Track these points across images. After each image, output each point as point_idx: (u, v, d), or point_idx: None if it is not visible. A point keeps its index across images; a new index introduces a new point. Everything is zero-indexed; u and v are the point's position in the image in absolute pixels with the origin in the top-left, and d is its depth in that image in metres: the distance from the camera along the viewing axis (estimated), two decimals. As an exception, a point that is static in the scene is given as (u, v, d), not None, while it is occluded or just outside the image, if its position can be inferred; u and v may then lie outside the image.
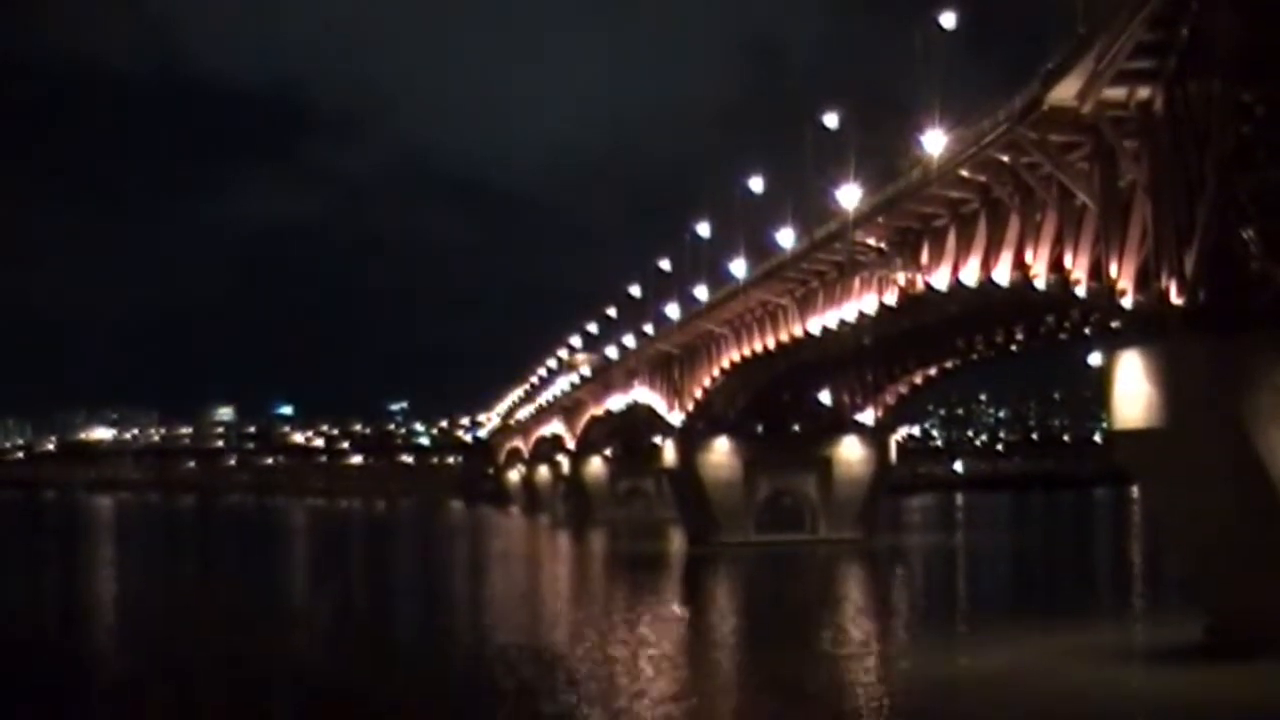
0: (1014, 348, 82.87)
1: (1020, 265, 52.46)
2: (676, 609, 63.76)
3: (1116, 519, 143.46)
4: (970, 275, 56.52)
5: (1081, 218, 48.37)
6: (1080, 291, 48.69)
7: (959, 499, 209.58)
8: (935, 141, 54.80)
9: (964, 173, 53.76)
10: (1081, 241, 48.41)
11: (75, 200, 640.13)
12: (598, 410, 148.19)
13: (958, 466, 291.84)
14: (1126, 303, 45.06)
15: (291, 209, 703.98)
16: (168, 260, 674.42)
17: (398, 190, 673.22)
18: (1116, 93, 43.53)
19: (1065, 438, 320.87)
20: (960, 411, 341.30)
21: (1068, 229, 49.26)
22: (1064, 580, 79.05)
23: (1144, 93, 43.34)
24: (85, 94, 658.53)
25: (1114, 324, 48.42)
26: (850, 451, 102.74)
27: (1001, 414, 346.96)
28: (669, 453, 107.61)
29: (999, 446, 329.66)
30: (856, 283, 69.00)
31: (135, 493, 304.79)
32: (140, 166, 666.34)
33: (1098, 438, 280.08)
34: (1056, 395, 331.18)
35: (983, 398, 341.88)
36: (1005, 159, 50.58)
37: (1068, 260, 49.27)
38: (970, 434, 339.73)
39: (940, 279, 59.61)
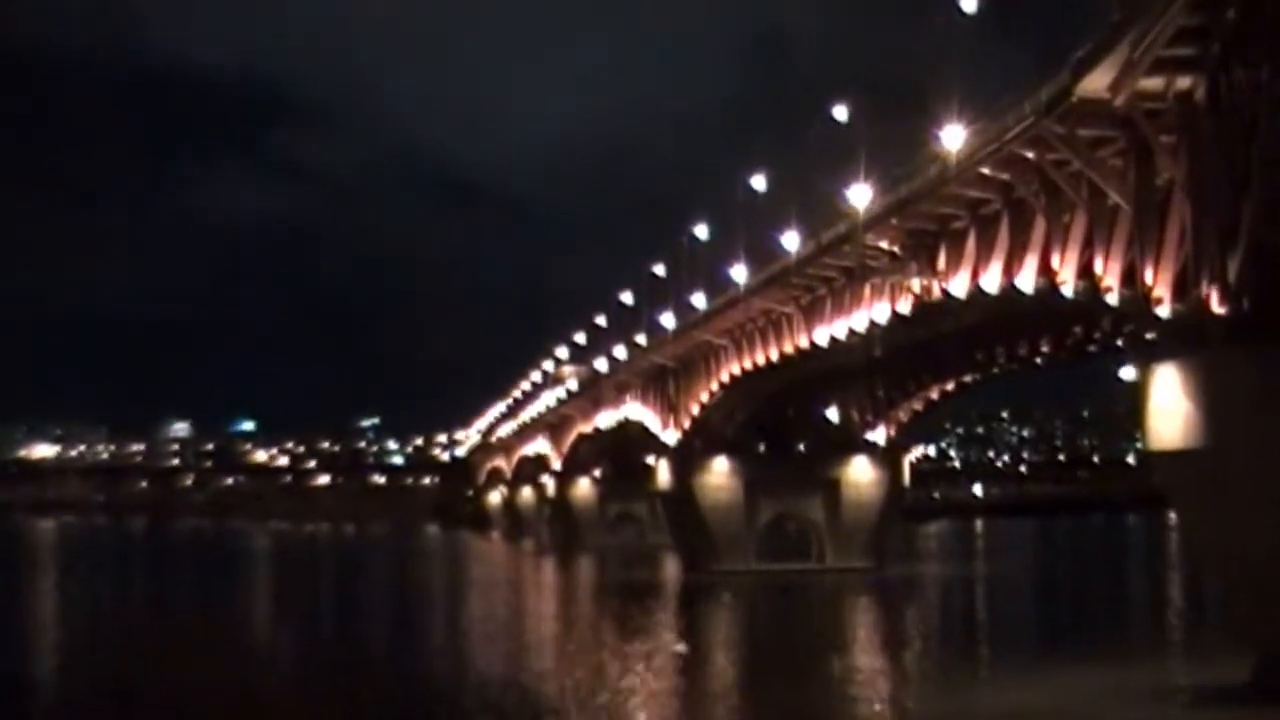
0: (1039, 361, 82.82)
1: (1046, 271, 52.33)
2: (672, 644, 63.50)
3: (1152, 547, 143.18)
4: (991, 282, 56.46)
5: (1114, 219, 48.18)
6: (1112, 299, 48.50)
7: (979, 525, 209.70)
8: (954, 137, 54.71)
9: (985, 170, 53.68)
10: (1114, 245, 48.22)
11: (21, 193, 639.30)
12: (586, 427, 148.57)
13: (977, 490, 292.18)
14: (1163, 311, 44.79)
15: (261, 206, 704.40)
16: (121, 260, 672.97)
17: (379, 189, 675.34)
18: (1153, 83, 43.25)
19: (1095, 459, 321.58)
20: (980, 430, 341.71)
21: (1098, 231, 49.09)
22: (1095, 614, 78.79)
23: (1184, 82, 43.04)
24: (42, 80, 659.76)
25: (1149, 335, 48.06)
26: (860, 473, 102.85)
27: (1025, 433, 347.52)
28: (663, 474, 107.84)
29: (1022, 468, 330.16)
30: (867, 290, 69.08)
31: (81, 515, 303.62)
32: (96, 157, 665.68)
33: (1131, 459, 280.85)
34: (1085, 413, 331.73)
35: (1005, 415, 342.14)
36: (1030, 155, 50.41)
37: (1098, 265, 49.11)
38: (991, 455, 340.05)
39: (959, 286, 59.57)
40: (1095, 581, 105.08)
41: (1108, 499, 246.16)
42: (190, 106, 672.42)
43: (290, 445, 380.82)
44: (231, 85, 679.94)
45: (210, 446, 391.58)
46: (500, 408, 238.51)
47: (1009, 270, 55.09)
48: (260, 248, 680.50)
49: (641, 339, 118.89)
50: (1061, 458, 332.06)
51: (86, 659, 59.99)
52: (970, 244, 58.51)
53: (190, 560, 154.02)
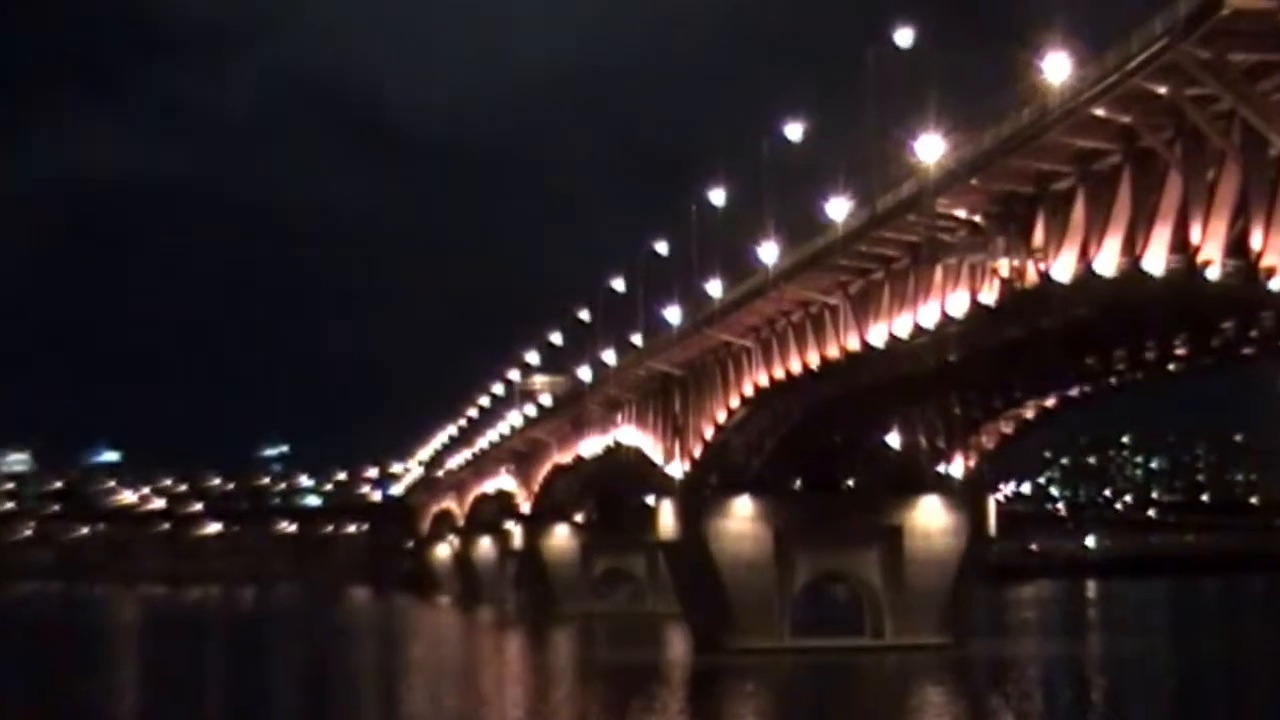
0: (1173, 368, 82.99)
1: (1183, 246, 52.24)
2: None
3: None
4: (1107, 261, 56.33)
5: (1277, 177, 48.15)
6: (1275, 285, 48.62)
7: (1091, 589, 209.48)
8: (1058, 68, 54.86)
9: (1100, 111, 53.55)
10: (1276, 213, 48.15)
11: None
12: (564, 457, 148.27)
13: (1089, 541, 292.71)
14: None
15: (127, 161, 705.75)
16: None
17: (285, 140, 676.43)
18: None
19: (1252, 499, 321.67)
20: (1091, 461, 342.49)
21: (1255, 193, 48.90)
22: (1256, 710, 78.57)
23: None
24: None
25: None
26: (930, 518, 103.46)
27: (1154, 464, 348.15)
28: (666, 519, 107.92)
29: (1150, 513, 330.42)
30: (938, 273, 69.08)
31: None
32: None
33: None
34: (1238, 437, 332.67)
35: (1125, 441, 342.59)
36: (1163, 90, 50.43)
37: (1255, 239, 48.97)
38: (1107, 494, 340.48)
39: (1062, 267, 59.37)
40: (1258, 665, 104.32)
41: (1270, 555, 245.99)
42: (34, 28, 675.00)
43: (167, 482, 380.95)
44: (90, 4, 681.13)
45: (59, 484, 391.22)
46: (450, 431, 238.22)
47: (1131, 245, 54.96)
48: (126, 216, 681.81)
49: (637, 339, 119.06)
50: (1205, 498, 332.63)
51: None
52: (1078, 210, 58.40)
53: (20, 644, 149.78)
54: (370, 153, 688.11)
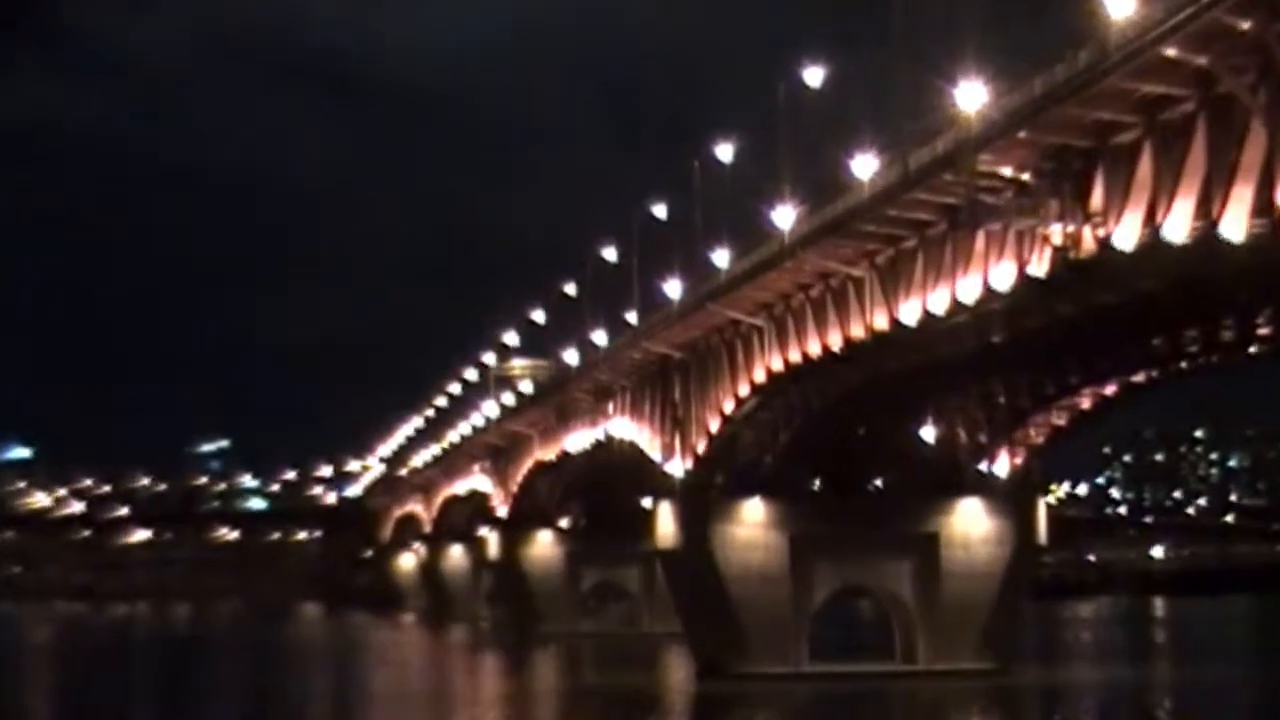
0: (1254, 350, 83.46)
1: (1267, 208, 52.22)
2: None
3: None
4: (1177, 226, 56.39)
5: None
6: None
7: (1159, 606, 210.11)
8: (1121, 1, 54.65)
9: (1170, 51, 53.40)
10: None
11: None
12: (546, 453, 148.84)
13: (1157, 552, 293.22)
14: None
15: (32, 109, 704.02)
16: None
17: (220, 86, 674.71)
18: None
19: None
20: (1160, 458, 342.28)
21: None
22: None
23: None
24: None
25: None
26: (971, 524, 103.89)
27: (1232, 463, 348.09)
28: (665, 524, 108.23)
29: (1229, 518, 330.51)
30: (980, 240, 69.32)
31: None
32: None
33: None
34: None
35: (1199, 435, 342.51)
36: (1245, 26, 50.27)
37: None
38: (1178, 496, 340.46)
39: (1125, 233, 59.49)
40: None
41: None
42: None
43: (87, 483, 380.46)
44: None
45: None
46: (415, 423, 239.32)
47: (1205, 207, 54.92)
48: (34, 175, 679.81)
49: (632, 317, 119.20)
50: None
51: None
52: (1144, 167, 58.40)
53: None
54: (315, 99, 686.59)
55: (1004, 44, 65.47)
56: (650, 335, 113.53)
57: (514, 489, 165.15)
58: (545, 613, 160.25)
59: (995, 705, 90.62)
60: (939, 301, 73.61)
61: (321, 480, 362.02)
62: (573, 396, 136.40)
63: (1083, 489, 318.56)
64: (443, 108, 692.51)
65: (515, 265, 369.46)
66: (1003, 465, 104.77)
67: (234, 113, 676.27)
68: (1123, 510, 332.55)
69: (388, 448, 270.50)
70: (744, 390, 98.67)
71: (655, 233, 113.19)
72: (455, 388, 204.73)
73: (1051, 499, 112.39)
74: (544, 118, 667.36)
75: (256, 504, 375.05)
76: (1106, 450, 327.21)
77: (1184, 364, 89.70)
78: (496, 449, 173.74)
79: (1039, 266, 65.34)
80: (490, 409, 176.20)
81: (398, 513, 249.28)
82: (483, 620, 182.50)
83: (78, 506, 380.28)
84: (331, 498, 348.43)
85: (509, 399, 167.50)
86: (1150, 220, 57.94)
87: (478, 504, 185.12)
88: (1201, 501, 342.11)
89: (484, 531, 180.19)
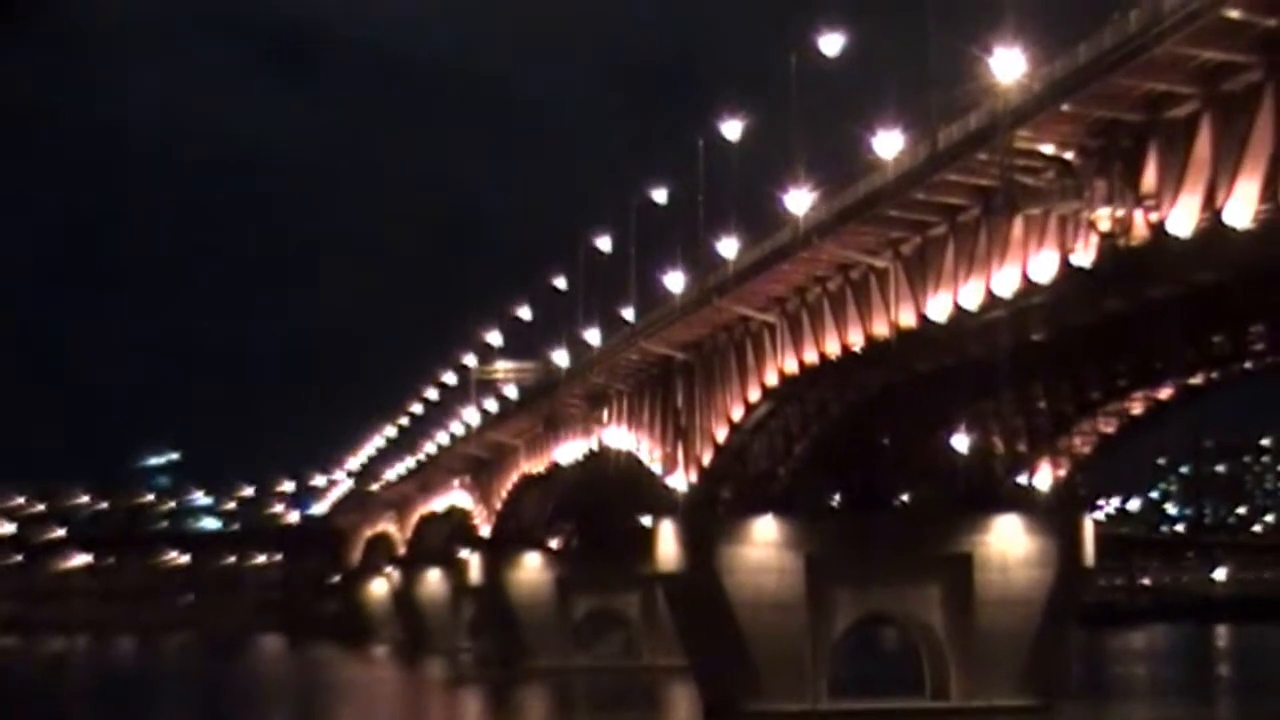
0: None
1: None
2: None
3: None
4: (1239, 210, 55.21)
5: None
6: None
7: (1221, 634, 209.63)
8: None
9: (1232, 13, 52.35)
10: None
11: None
12: (534, 466, 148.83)
13: (1218, 574, 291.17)
14: None
15: None
16: None
17: (164, 51, 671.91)
18: None
19: None
20: (1221, 470, 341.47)
21: None
22: None
23: None
24: None
25: None
26: (1008, 544, 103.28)
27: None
28: (667, 545, 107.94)
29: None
30: (1018, 226, 68.86)
31: None
32: None
33: None
34: None
35: (1265, 444, 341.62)
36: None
37: None
38: (1241, 511, 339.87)
39: (1181, 219, 58.28)
40: None
41: None
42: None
43: (18, 501, 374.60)
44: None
45: None
46: (388, 433, 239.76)
47: (1272, 189, 53.64)
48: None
49: (629, 314, 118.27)
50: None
51: None
52: (1202, 143, 57.18)
53: None
54: (271, 66, 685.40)
55: (1045, 6, 65.36)
56: (649, 334, 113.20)
57: (498, 506, 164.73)
58: (533, 645, 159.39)
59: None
60: (972, 295, 73.46)
61: (282, 497, 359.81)
62: (563, 402, 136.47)
63: (1135, 504, 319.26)
64: (418, 81, 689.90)
65: (498, 257, 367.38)
66: (1044, 478, 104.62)
67: (184, 80, 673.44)
68: (1180, 528, 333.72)
69: (357, 460, 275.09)
70: (754, 395, 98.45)
71: (655, 219, 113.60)
72: (432, 393, 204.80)
73: (1099, 516, 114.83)
74: (534, 95, 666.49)
75: (210, 524, 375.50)
76: (1161, 461, 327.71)
77: (1248, 364, 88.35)
78: (478, 461, 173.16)
79: (1084, 255, 64.88)
80: (471, 417, 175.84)
81: (368, 533, 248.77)
82: (463, 653, 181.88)
83: (7, 528, 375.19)
84: (294, 516, 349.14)
85: (492, 405, 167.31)
86: (1209, 203, 57.19)
87: (457, 523, 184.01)
88: (1269, 518, 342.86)
89: (464, 554, 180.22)
